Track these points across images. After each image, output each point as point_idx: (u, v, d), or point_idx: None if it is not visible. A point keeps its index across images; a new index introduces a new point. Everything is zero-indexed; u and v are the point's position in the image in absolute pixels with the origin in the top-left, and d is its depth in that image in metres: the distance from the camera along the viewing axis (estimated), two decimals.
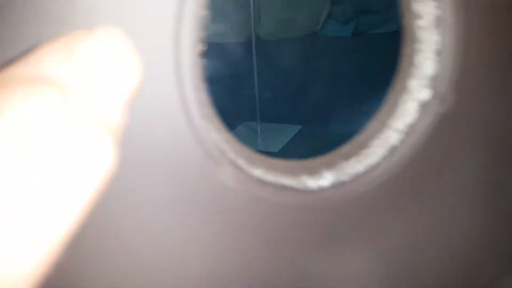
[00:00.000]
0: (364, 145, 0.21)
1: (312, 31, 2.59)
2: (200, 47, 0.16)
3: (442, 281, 0.23)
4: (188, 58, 0.16)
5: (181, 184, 0.17)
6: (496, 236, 0.24)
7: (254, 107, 1.46)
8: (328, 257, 0.19)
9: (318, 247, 0.19)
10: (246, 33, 2.04)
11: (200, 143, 0.17)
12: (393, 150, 0.20)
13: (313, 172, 0.19)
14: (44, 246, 0.09)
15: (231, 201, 0.18)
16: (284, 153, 1.29)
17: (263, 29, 2.50)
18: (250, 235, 0.19)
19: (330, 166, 0.20)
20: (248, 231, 0.19)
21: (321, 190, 0.19)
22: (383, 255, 0.20)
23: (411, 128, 0.20)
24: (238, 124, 1.50)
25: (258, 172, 0.18)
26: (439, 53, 0.20)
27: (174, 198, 0.17)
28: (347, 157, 0.20)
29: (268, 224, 0.18)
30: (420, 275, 0.22)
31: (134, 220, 0.17)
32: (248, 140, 1.38)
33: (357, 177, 0.20)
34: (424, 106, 0.20)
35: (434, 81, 0.20)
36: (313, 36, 2.57)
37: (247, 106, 1.55)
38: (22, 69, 0.11)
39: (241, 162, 0.18)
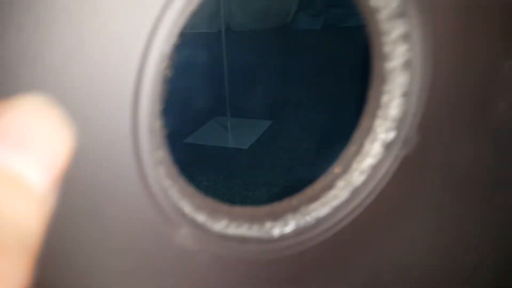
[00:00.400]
0: (328, 187, 0.20)
1: (283, 24, 2.58)
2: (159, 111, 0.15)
3: None
4: (146, 116, 0.15)
5: (140, 253, 0.16)
6: (449, 266, 0.24)
7: (224, 101, 1.45)
8: None
9: None
10: (217, 24, 2.00)
11: (156, 206, 0.16)
12: (356, 191, 0.20)
13: (278, 217, 0.19)
14: None
15: (191, 265, 0.17)
16: (254, 151, 1.29)
17: (234, 20, 2.47)
18: None
19: (294, 210, 0.20)
20: None
21: (285, 237, 0.19)
22: None
23: (374, 169, 0.20)
24: (207, 120, 1.48)
25: (220, 225, 0.18)
26: (406, 95, 0.20)
27: (134, 268, 0.16)
28: (312, 199, 0.20)
29: (231, 282, 0.18)
30: None
31: None
32: (217, 136, 1.37)
33: (321, 221, 0.19)
34: (388, 147, 0.20)
35: (399, 123, 0.20)
36: (284, 29, 2.56)
37: (217, 100, 1.53)
38: None
39: (201, 217, 0.17)
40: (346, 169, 0.21)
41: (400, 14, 0.18)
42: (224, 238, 0.18)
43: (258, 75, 1.89)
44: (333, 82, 1.69)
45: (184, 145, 1.28)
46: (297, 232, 0.19)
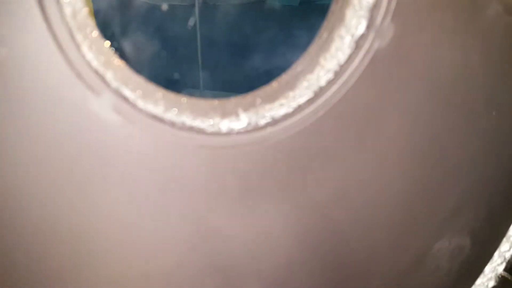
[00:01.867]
0: (289, 86, 0.18)
1: None
2: None
3: (369, 243, 0.22)
4: None
5: (61, 121, 0.14)
6: (426, 196, 0.22)
7: (197, 74, 1.40)
8: (242, 211, 0.16)
9: (230, 199, 0.16)
10: None
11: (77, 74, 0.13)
12: (320, 92, 0.17)
13: (228, 113, 0.16)
14: None
15: (113, 138, 0.14)
16: None
17: None
18: (145, 180, 0.15)
19: (248, 107, 0.17)
20: (141, 174, 0.16)
21: (236, 133, 0.16)
22: (302, 210, 0.18)
23: (343, 67, 0.18)
24: (180, 92, 1.43)
25: (157, 109, 0.15)
26: None
27: (58, 133, 0.14)
28: (270, 98, 0.17)
29: (165, 170, 0.15)
30: (343, 234, 0.20)
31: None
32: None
33: (278, 120, 0.17)
34: (359, 41, 0.18)
35: (372, 11, 0.17)
36: (260, 3, 2.51)
37: (189, 73, 1.48)
38: None
39: (128, 93, 0.14)
40: (310, 67, 0.18)
41: None
42: (161, 120, 0.15)
43: (232, 50, 1.84)
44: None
45: None
46: (250, 130, 0.16)
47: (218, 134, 0.16)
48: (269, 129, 0.16)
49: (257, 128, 0.16)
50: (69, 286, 0.17)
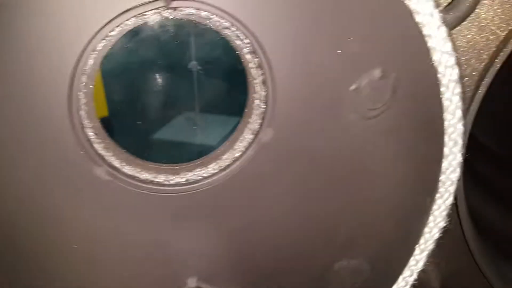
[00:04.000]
0: (215, 159, 0.30)
1: None
2: None
3: (275, 263, 0.33)
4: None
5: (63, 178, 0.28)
6: (320, 229, 0.33)
7: (192, 96, 1.48)
8: (183, 233, 0.30)
9: (174, 225, 0.30)
10: None
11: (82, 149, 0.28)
12: (223, 168, 0.30)
13: (175, 173, 0.30)
14: None
15: (102, 191, 0.29)
16: None
17: None
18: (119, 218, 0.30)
19: (188, 170, 0.30)
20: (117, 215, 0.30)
21: (179, 184, 0.30)
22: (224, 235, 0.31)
23: (240, 157, 0.30)
24: (175, 115, 1.52)
25: (132, 171, 0.29)
26: (267, 99, 0.28)
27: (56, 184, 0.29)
28: (203, 165, 0.30)
29: (132, 208, 0.30)
30: (258, 254, 0.32)
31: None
32: (185, 132, 1.41)
33: (206, 178, 0.30)
34: (255, 138, 0.28)
35: (261, 121, 0.28)
36: None
37: (185, 94, 1.56)
38: None
39: (116, 162, 0.29)
40: (219, 156, 0.29)
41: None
42: (134, 178, 0.29)
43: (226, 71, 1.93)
44: None
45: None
46: (188, 183, 0.30)
47: (168, 185, 0.30)
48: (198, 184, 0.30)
49: (194, 182, 0.30)
50: None
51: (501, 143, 0.61)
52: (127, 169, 0.29)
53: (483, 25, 0.33)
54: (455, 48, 0.30)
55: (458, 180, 0.37)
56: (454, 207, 0.40)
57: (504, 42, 0.33)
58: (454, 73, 0.31)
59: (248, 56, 0.28)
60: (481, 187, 0.57)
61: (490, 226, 0.51)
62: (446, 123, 0.32)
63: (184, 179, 0.30)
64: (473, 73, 0.35)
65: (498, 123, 0.61)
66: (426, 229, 0.37)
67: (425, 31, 0.29)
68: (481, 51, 0.34)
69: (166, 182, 0.29)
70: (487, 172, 0.57)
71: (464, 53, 0.34)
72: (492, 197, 0.55)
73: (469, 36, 0.34)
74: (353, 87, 0.29)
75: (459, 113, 0.32)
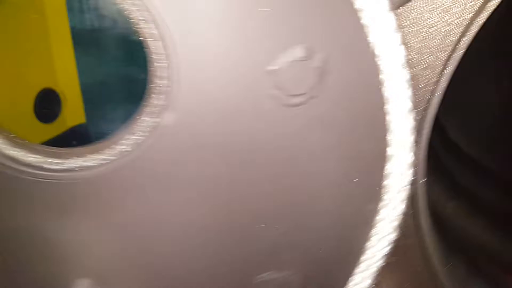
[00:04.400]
0: (109, 145, 0.26)
1: None
2: None
3: (187, 273, 0.28)
4: None
5: None
6: (239, 239, 0.28)
7: None
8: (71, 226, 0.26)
9: (59, 214, 0.26)
10: None
11: None
12: (120, 153, 0.26)
13: (61, 157, 0.26)
14: None
15: None
16: None
17: None
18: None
19: (79, 155, 0.26)
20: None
21: (63, 170, 0.26)
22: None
23: (140, 140, 0.24)
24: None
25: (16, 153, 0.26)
26: (168, 76, 0.24)
27: None
28: (95, 150, 0.26)
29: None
30: (159, 259, 0.27)
31: None
32: None
33: (98, 165, 0.26)
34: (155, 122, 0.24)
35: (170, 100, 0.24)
36: None
37: None
38: None
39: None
40: (116, 141, 0.24)
41: None
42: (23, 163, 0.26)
43: None
44: None
45: None
46: (80, 169, 0.26)
47: (60, 170, 0.26)
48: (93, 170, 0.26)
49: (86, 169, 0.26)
50: None
51: (470, 142, 0.54)
52: (9, 151, 0.25)
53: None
54: (400, 26, 0.25)
55: (413, 186, 0.32)
56: (411, 218, 0.35)
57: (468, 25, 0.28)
58: (399, 56, 0.25)
59: (144, 25, 0.23)
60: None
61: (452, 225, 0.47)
62: (388, 118, 0.27)
63: (73, 165, 0.26)
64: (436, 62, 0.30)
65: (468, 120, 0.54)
66: (371, 242, 0.32)
67: (357, 4, 0.24)
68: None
69: (50, 167, 0.25)
70: (465, 182, 0.51)
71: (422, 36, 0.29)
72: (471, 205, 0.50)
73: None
74: (270, 67, 0.24)
75: (406, 106, 0.27)
